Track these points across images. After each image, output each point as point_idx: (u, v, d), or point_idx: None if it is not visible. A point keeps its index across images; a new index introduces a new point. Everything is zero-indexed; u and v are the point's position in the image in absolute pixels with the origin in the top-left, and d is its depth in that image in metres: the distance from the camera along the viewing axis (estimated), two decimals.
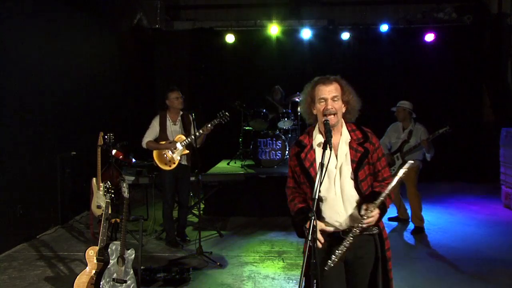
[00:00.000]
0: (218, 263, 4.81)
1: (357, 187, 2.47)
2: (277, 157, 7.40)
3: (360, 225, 2.38)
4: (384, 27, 9.17)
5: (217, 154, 8.64)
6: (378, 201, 2.38)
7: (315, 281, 2.30)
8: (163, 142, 5.35)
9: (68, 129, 6.64)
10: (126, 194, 3.83)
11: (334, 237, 2.48)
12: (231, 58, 9.69)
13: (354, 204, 2.48)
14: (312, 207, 2.29)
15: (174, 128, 5.43)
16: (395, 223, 6.32)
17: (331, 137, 2.39)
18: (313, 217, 2.26)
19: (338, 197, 2.48)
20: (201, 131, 5.19)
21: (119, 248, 3.67)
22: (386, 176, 2.54)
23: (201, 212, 6.36)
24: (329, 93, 2.49)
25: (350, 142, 2.52)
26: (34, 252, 5.28)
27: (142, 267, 4.14)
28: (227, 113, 5.22)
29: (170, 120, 5.43)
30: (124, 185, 3.82)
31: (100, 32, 7.90)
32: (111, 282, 3.62)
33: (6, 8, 5.36)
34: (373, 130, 2.61)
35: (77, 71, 6.97)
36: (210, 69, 9.69)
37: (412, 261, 4.93)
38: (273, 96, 8.34)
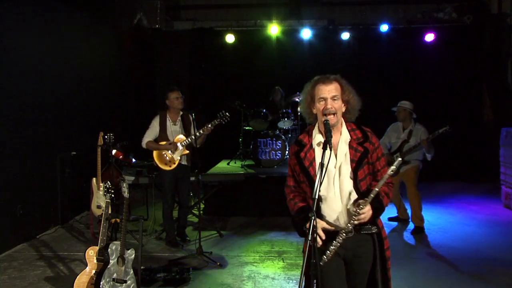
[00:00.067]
0: (218, 263, 4.81)
1: (356, 187, 2.47)
2: (277, 157, 7.40)
3: (352, 221, 2.39)
4: (384, 27, 9.17)
5: (217, 154, 8.63)
6: (369, 198, 2.38)
7: (315, 281, 2.30)
8: (163, 143, 5.35)
9: (68, 129, 6.64)
10: (126, 194, 3.83)
11: (334, 236, 2.48)
12: (231, 58, 9.69)
13: None
14: (312, 206, 2.30)
15: (174, 128, 5.43)
16: (395, 223, 6.32)
17: (331, 137, 2.40)
18: (313, 217, 2.26)
19: (337, 196, 2.49)
20: (201, 131, 5.19)
21: (119, 248, 3.67)
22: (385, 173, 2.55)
23: (201, 212, 6.35)
24: (329, 93, 2.49)
25: (349, 142, 2.52)
26: (34, 252, 5.28)
27: (142, 267, 4.14)
28: (227, 113, 5.22)
29: (170, 120, 5.43)
30: (124, 185, 3.83)
31: (100, 32, 7.90)
32: (111, 282, 3.62)
33: (6, 8, 5.36)
34: (373, 130, 2.61)
35: (77, 71, 6.97)
36: (210, 69, 9.69)
37: (412, 261, 4.93)
38: (273, 97, 8.35)
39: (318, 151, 2.53)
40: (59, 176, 6.36)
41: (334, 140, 2.46)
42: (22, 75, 5.66)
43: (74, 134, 6.76)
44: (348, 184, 2.48)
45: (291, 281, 4.39)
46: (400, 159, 2.46)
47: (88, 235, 5.90)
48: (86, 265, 3.73)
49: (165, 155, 5.35)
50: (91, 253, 3.74)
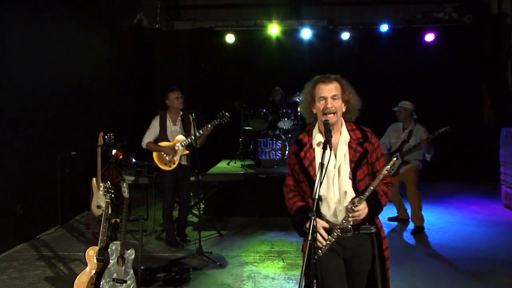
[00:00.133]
0: (218, 263, 4.81)
1: (355, 187, 2.47)
2: (277, 157, 7.40)
3: (347, 218, 2.40)
4: (384, 27, 9.17)
5: (217, 154, 8.64)
6: (364, 196, 2.38)
7: (315, 281, 2.30)
8: (163, 143, 5.35)
9: (68, 129, 6.64)
10: (126, 194, 3.83)
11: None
12: (231, 58, 9.69)
13: None
14: (312, 206, 2.30)
15: (174, 129, 5.43)
16: (395, 223, 6.32)
17: (331, 137, 2.40)
18: (313, 217, 2.26)
19: (336, 196, 2.49)
20: (201, 131, 5.19)
21: (119, 248, 3.67)
22: (382, 170, 2.55)
23: (201, 212, 6.35)
24: (329, 92, 2.49)
25: (349, 142, 2.52)
26: (34, 252, 5.28)
27: (142, 267, 4.14)
28: (227, 114, 5.22)
29: (170, 121, 5.42)
30: (124, 185, 3.83)
31: (100, 32, 7.90)
32: (111, 282, 3.62)
33: (6, 8, 5.36)
34: (373, 130, 2.61)
35: (77, 71, 6.97)
36: (210, 69, 9.68)
37: (412, 261, 4.92)
38: (273, 97, 8.36)
39: (318, 151, 2.53)
40: (59, 176, 6.36)
41: (334, 140, 2.46)
42: (22, 75, 5.66)
43: (74, 134, 6.76)
44: (347, 184, 2.48)
45: (291, 281, 4.39)
46: (394, 159, 2.46)
47: (88, 235, 5.90)
48: (86, 265, 3.73)
49: (165, 156, 5.35)
50: (91, 253, 3.74)
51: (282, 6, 9.99)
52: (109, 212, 3.93)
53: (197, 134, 5.11)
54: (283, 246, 5.46)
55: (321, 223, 2.43)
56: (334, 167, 2.49)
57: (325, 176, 2.36)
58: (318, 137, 2.55)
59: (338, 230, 2.42)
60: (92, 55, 7.48)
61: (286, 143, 7.43)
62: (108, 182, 3.94)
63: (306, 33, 9.32)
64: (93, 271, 3.70)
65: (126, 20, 9.14)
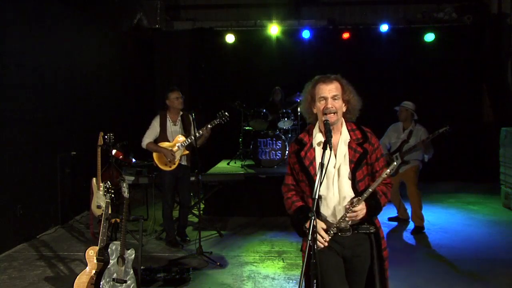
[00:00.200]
0: (218, 263, 4.81)
1: (354, 187, 2.47)
2: (277, 157, 7.40)
3: (344, 218, 2.40)
4: (384, 27, 9.17)
5: (217, 154, 8.64)
6: (362, 197, 2.39)
7: (315, 281, 2.30)
8: (164, 144, 5.34)
9: (68, 129, 6.64)
10: (126, 194, 3.83)
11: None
12: (231, 58, 9.68)
13: None
14: (312, 206, 2.30)
15: (174, 129, 5.42)
16: (395, 223, 6.31)
17: (331, 137, 2.40)
18: (313, 217, 2.26)
19: (336, 196, 2.49)
20: (200, 131, 5.19)
21: (119, 248, 3.67)
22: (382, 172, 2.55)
23: (201, 212, 6.35)
24: (330, 92, 2.49)
25: (349, 142, 2.52)
26: (34, 252, 5.28)
27: (142, 267, 4.14)
28: (226, 113, 5.22)
29: (170, 121, 5.42)
30: (124, 185, 3.83)
31: (100, 32, 7.90)
32: (111, 282, 3.62)
33: (6, 8, 5.36)
34: (373, 130, 2.61)
35: (77, 71, 6.97)
36: (210, 69, 9.69)
37: (412, 261, 4.93)
38: (273, 97, 8.36)
39: (318, 151, 2.53)
40: (59, 176, 6.36)
41: (334, 140, 2.46)
42: (22, 75, 5.66)
43: (74, 134, 6.76)
44: (347, 185, 2.48)
45: (291, 281, 4.39)
46: (395, 163, 2.44)
47: (88, 235, 5.90)
48: (86, 265, 3.73)
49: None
50: (91, 253, 3.74)
51: (282, 6, 9.99)
52: (109, 212, 3.93)
53: (197, 134, 5.11)
54: (283, 246, 5.46)
55: (320, 224, 2.43)
56: (334, 167, 2.49)
57: (325, 176, 2.37)
58: (318, 137, 2.55)
59: (335, 229, 2.43)
60: (92, 55, 7.48)
61: (286, 143, 7.43)
62: (108, 182, 3.94)
63: (306, 33, 9.30)
64: (93, 271, 3.70)
65: (126, 20, 9.14)
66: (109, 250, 3.66)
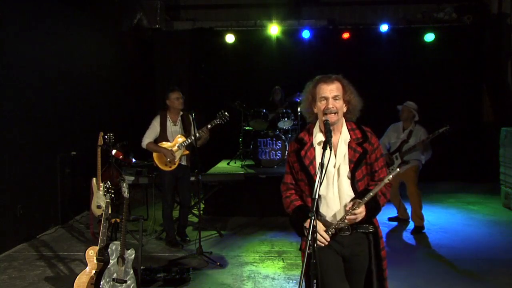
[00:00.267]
0: (218, 263, 4.81)
1: (354, 187, 2.48)
2: (277, 157, 7.40)
3: (343, 219, 2.40)
4: (384, 27, 9.16)
5: (217, 154, 8.63)
6: (363, 200, 2.39)
7: (315, 281, 2.30)
8: (164, 144, 5.34)
9: (68, 129, 6.64)
10: (126, 194, 3.83)
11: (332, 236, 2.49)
12: (231, 58, 9.67)
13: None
14: (312, 206, 2.30)
15: (174, 129, 5.42)
16: (395, 223, 6.31)
17: (331, 137, 2.40)
18: (313, 217, 2.26)
19: (335, 196, 2.49)
20: (200, 131, 5.19)
21: (119, 248, 3.67)
22: (383, 177, 2.55)
23: (201, 212, 6.35)
24: (331, 92, 2.49)
25: (349, 142, 2.52)
26: (34, 252, 5.28)
27: (142, 267, 4.14)
28: (226, 113, 5.22)
29: (170, 121, 5.42)
30: (124, 185, 3.83)
31: (100, 32, 7.90)
32: (111, 282, 3.62)
33: (6, 8, 5.35)
34: (373, 130, 2.61)
35: (77, 71, 6.97)
36: (210, 69, 9.67)
37: (412, 261, 4.93)
38: (274, 97, 8.35)
39: (318, 150, 2.53)
40: (59, 176, 6.36)
41: (334, 139, 2.46)
42: (22, 75, 5.66)
43: (74, 134, 6.76)
44: (347, 185, 2.49)
45: (291, 281, 4.39)
46: (398, 170, 2.45)
47: (88, 235, 5.90)
48: (86, 265, 3.73)
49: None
50: (91, 253, 3.74)
51: (282, 6, 9.98)
52: (109, 212, 3.93)
53: (197, 134, 5.11)
54: (283, 246, 5.46)
55: (320, 226, 2.43)
56: (334, 167, 2.49)
57: (325, 176, 2.37)
58: (319, 136, 2.55)
59: (333, 229, 2.43)
60: (92, 55, 7.48)
61: (286, 143, 7.42)
62: (108, 182, 3.94)
63: (306, 33, 9.29)
64: (93, 271, 3.70)
65: (126, 20, 9.14)
66: (109, 250, 3.66)
